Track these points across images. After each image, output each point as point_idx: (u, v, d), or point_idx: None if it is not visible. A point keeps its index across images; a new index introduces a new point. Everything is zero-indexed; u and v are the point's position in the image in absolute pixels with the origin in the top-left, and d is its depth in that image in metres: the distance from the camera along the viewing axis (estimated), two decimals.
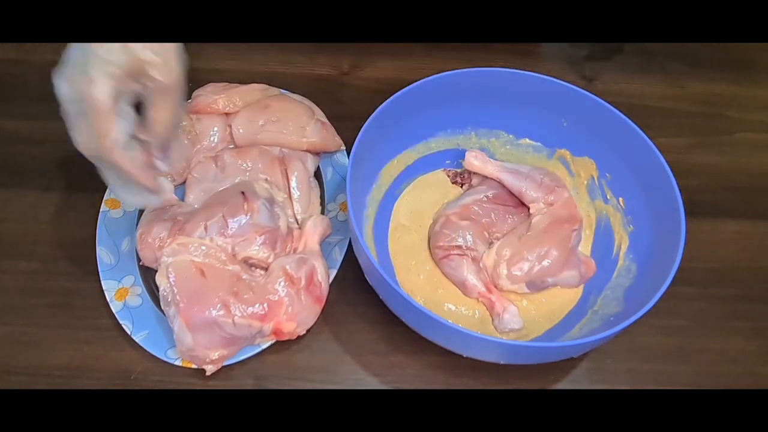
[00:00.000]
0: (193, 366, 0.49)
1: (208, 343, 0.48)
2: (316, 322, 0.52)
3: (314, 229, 0.54)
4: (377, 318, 0.53)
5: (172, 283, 0.48)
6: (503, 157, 0.61)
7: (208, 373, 0.49)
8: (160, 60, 0.42)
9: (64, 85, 0.42)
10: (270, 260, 0.52)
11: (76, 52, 0.42)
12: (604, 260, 0.55)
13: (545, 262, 0.53)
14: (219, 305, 0.48)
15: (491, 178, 0.59)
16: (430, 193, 0.60)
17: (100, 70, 0.41)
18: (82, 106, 0.41)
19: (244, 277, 0.50)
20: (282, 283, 0.49)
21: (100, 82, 0.41)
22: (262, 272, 0.52)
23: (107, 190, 0.58)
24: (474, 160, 0.59)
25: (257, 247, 0.51)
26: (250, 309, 0.48)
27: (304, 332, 0.51)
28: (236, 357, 0.49)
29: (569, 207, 0.57)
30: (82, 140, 0.43)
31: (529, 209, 0.57)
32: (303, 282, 0.50)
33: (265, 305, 0.48)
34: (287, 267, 0.50)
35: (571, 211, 0.57)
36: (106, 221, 0.56)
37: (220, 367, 0.49)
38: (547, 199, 0.57)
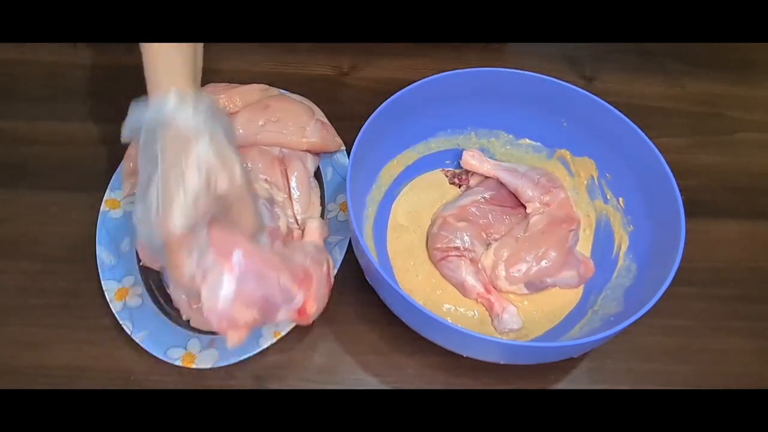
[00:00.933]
0: (193, 366, 0.49)
1: (249, 299, 0.43)
2: (316, 323, 0.52)
3: (318, 231, 0.54)
4: (377, 318, 0.53)
5: None
6: (503, 158, 0.61)
7: (230, 345, 0.43)
8: (225, 173, 0.42)
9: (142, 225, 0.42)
10: None
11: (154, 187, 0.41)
12: (604, 260, 0.55)
13: (543, 263, 0.53)
14: (272, 266, 0.44)
15: (489, 179, 0.59)
16: (429, 193, 0.60)
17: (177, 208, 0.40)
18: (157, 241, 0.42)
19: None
20: (310, 262, 0.47)
21: (176, 219, 0.40)
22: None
23: (107, 190, 0.58)
24: (471, 159, 0.59)
25: None
26: (291, 265, 0.45)
27: (311, 323, 0.48)
28: (236, 357, 0.49)
29: (566, 207, 0.57)
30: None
31: (526, 209, 0.57)
32: (325, 268, 0.48)
33: (302, 273, 0.46)
34: (309, 249, 0.49)
35: (568, 212, 0.57)
36: (106, 221, 0.56)
37: (244, 336, 0.44)
38: (543, 199, 0.57)
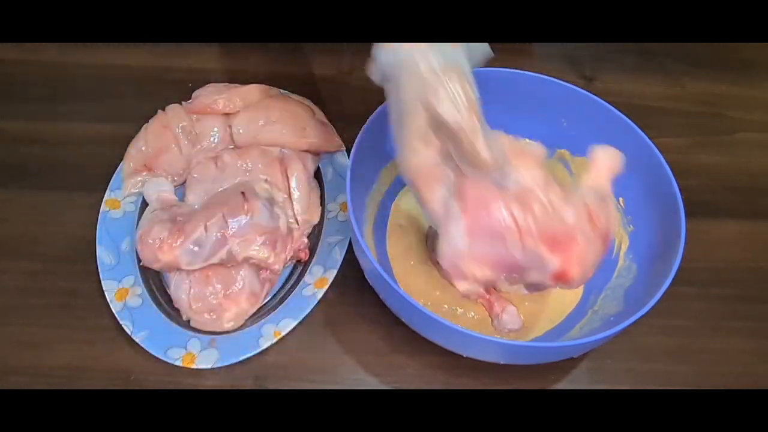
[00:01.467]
0: (193, 366, 0.49)
1: (482, 257, 0.40)
2: (316, 323, 0.52)
3: (607, 166, 0.44)
4: (377, 318, 0.53)
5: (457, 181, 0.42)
6: None
7: (461, 291, 0.42)
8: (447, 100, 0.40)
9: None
10: (270, 260, 0.52)
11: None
12: (604, 260, 0.55)
13: None
14: (508, 213, 0.39)
15: None
16: None
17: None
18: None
19: (539, 193, 0.41)
20: (582, 217, 0.40)
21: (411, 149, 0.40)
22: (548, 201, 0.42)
23: (107, 190, 0.58)
24: None
25: (257, 247, 0.51)
26: (544, 226, 0.39)
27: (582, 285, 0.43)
28: (236, 357, 0.49)
29: None
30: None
31: None
32: (603, 224, 0.41)
33: (560, 235, 0.39)
34: (588, 200, 0.41)
35: None
36: (106, 221, 0.56)
37: (474, 289, 0.42)
38: None
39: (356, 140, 0.50)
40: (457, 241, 0.41)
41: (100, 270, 0.53)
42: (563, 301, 0.54)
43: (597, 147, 0.46)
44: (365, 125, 0.51)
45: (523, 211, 0.40)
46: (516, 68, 0.56)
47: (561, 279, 0.41)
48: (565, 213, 0.40)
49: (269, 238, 0.52)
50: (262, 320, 0.52)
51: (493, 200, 0.40)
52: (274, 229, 0.53)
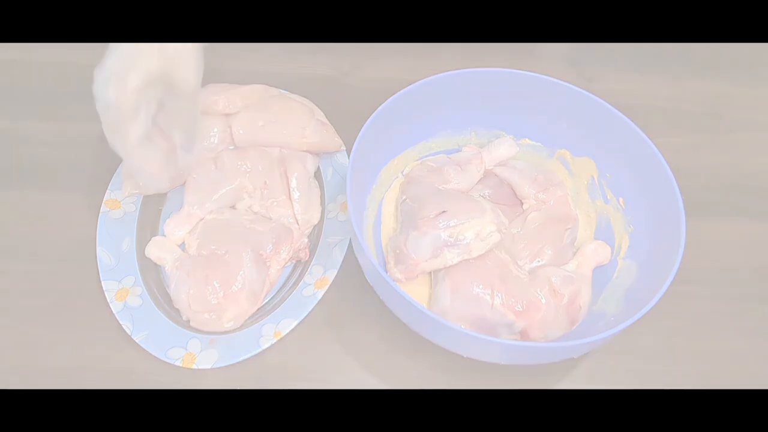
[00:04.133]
0: (193, 366, 0.49)
1: (461, 314, 0.49)
2: (316, 323, 0.52)
3: (593, 255, 0.54)
4: (377, 318, 0.53)
5: None
6: None
7: None
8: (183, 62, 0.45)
9: (99, 84, 0.45)
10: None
11: (113, 53, 0.45)
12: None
13: (537, 261, 0.53)
14: (486, 284, 0.49)
15: (488, 177, 0.59)
16: None
17: (131, 70, 0.43)
18: (110, 106, 0.44)
19: (511, 268, 0.51)
20: (545, 292, 0.50)
21: (129, 81, 0.43)
22: (525, 272, 0.52)
23: (107, 190, 0.58)
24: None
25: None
26: (512, 300, 0.49)
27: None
28: (236, 357, 0.49)
29: (563, 206, 0.57)
30: (110, 138, 0.46)
31: (522, 205, 0.57)
32: (566, 300, 0.50)
33: (525, 303, 0.49)
34: (553, 279, 0.51)
35: (566, 210, 0.57)
36: (106, 221, 0.56)
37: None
38: (539, 196, 0.57)
39: (356, 140, 0.50)
40: (442, 297, 0.50)
41: (100, 270, 0.53)
42: None
43: (589, 242, 0.55)
44: (365, 125, 0.51)
45: (501, 285, 0.49)
46: (516, 68, 0.56)
47: (523, 335, 0.50)
48: (533, 292, 0.50)
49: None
50: (262, 320, 0.52)
51: (477, 271, 0.49)
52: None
